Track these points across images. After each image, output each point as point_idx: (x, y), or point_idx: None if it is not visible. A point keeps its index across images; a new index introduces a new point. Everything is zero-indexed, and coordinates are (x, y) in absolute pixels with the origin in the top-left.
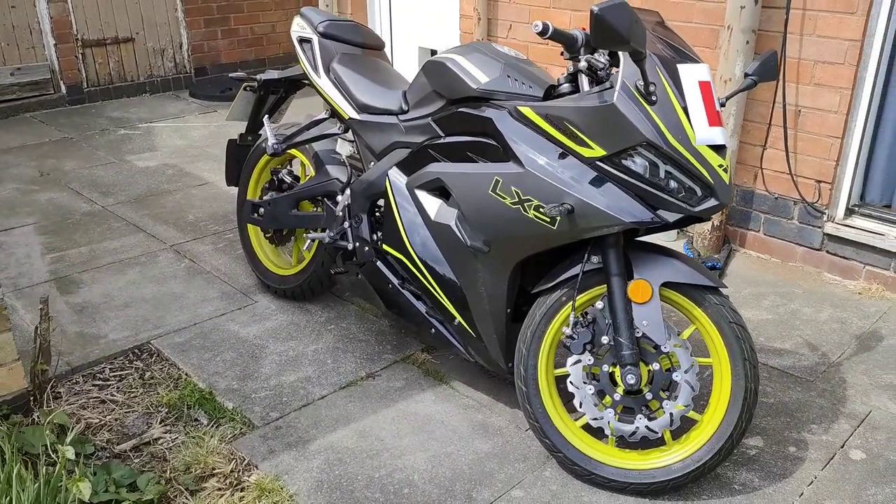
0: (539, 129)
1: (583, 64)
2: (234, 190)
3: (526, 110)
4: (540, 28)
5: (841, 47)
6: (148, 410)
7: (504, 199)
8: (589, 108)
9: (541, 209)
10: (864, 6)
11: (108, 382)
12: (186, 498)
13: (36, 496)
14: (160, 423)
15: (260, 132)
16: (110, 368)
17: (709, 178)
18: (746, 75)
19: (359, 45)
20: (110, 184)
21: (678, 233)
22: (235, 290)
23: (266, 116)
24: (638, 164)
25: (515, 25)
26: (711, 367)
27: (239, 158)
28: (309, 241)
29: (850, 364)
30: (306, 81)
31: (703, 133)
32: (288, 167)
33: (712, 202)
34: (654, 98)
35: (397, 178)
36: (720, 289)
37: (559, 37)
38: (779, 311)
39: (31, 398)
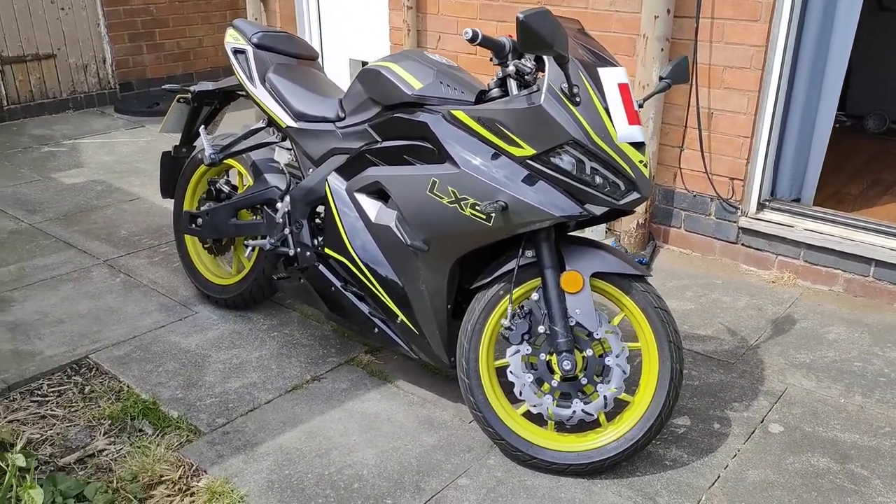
0: (472, 131)
1: (511, 68)
2: (168, 203)
3: (459, 114)
4: (470, 35)
5: (747, 53)
6: (90, 423)
7: (441, 198)
8: (518, 109)
9: (476, 207)
10: (767, 14)
11: (47, 398)
12: None
13: None
14: (104, 435)
15: (195, 144)
16: (48, 384)
17: (630, 173)
18: (661, 79)
19: (293, 56)
20: (36, 201)
21: (606, 232)
22: (174, 301)
23: (202, 127)
24: (565, 161)
25: (444, 37)
26: (640, 350)
27: (174, 170)
28: (250, 248)
29: (767, 346)
30: (240, 93)
31: (623, 131)
32: (225, 177)
33: (634, 195)
34: (577, 99)
35: (337, 183)
36: (645, 277)
37: (488, 43)
38: (701, 300)
39: None
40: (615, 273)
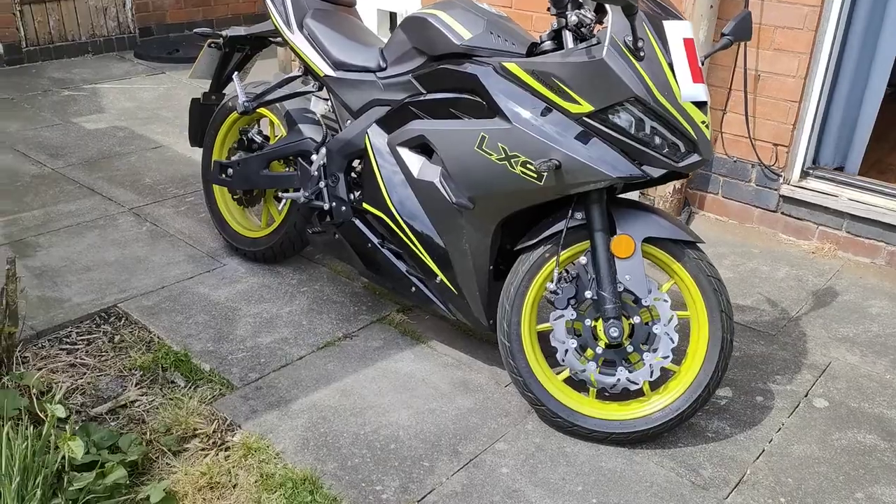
0: (525, 85)
1: (573, 18)
2: (193, 152)
3: (512, 66)
4: None
5: (801, 12)
6: (121, 373)
7: (490, 155)
8: (577, 63)
9: (528, 165)
10: None
11: (77, 346)
12: (169, 459)
13: (23, 457)
14: (135, 385)
15: (224, 91)
16: (77, 332)
17: (693, 134)
18: (723, 35)
19: (331, 1)
20: (58, 146)
21: (639, 195)
22: (202, 253)
23: (235, 74)
24: (624, 119)
25: None
26: (688, 319)
27: (203, 118)
28: (283, 201)
29: (809, 319)
30: (273, 39)
31: (687, 89)
32: (257, 126)
33: (695, 158)
34: (642, 54)
35: (377, 135)
36: (697, 243)
37: None
38: (739, 269)
39: None
40: (667, 238)
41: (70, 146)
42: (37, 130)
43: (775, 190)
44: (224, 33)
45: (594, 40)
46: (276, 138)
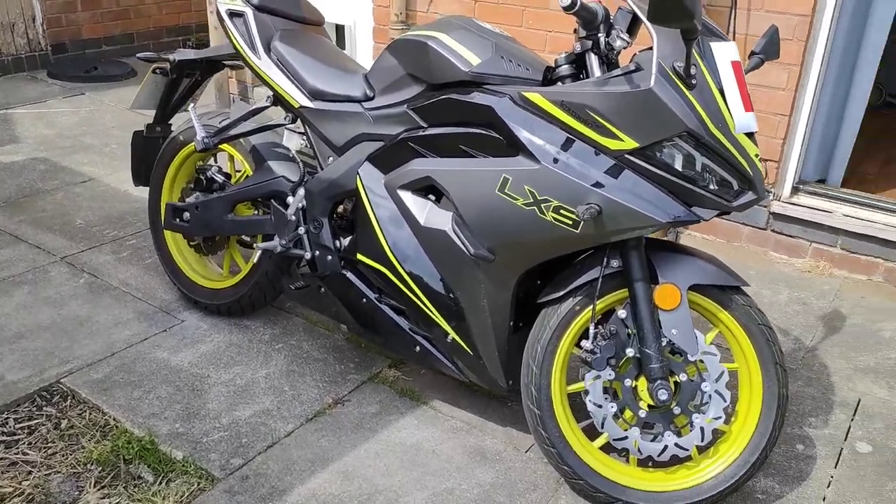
0: (553, 118)
1: (618, 42)
2: (127, 185)
3: (536, 97)
4: (567, 2)
5: (790, 22)
6: (75, 470)
7: (515, 199)
8: (619, 93)
9: (562, 211)
10: None
11: (17, 437)
12: None
13: None
14: (94, 486)
15: (170, 122)
16: (15, 419)
17: (748, 170)
18: (753, 53)
19: (298, 20)
20: None
21: None
22: (154, 307)
23: (192, 106)
24: (673, 156)
25: None
26: (736, 372)
27: (148, 153)
28: (259, 252)
29: (825, 348)
30: (227, 62)
31: (740, 119)
32: (215, 163)
33: (750, 196)
34: (694, 82)
35: (371, 176)
36: (743, 288)
37: (584, 12)
38: None
39: None
40: (714, 285)
41: None
42: None
43: (765, 207)
44: (171, 57)
45: (631, 66)
46: (239, 175)
